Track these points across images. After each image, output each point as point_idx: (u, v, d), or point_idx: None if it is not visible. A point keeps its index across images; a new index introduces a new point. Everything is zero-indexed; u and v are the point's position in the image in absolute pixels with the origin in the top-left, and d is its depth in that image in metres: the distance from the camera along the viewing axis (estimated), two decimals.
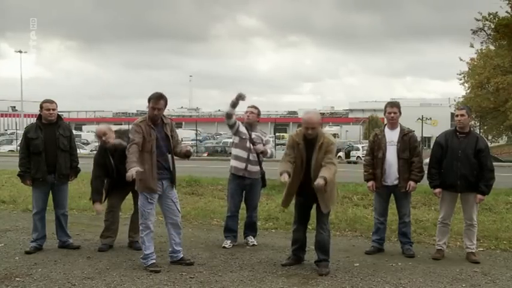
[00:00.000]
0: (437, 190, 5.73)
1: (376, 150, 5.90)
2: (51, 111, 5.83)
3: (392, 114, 5.87)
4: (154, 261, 5.23)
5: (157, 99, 5.18)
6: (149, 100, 5.20)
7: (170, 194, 5.36)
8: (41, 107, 5.85)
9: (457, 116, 5.70)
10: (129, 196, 6.13)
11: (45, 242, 6.03)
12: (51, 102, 5.87)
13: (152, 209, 5.23)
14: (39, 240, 5.97)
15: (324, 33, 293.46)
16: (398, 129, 5.86)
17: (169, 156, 5.32)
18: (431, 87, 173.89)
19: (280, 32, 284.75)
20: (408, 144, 5.80)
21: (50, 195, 6.00)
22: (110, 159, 5.88)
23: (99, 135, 5.90)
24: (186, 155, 5.46)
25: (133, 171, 4.81)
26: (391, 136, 5.85)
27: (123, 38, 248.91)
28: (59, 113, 6.01)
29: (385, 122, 6.07)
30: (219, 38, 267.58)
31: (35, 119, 6.02)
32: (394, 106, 5.91)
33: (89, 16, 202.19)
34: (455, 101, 37.13)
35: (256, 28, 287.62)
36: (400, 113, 5.94)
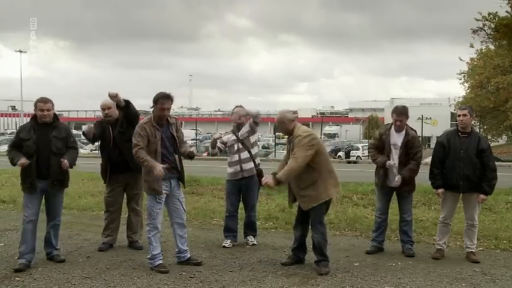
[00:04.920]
0: (440, 190, 5.71)
1: (380, 150, 5.87)
2: (45, 112, 5.20)
3: (398, 123, 5.78)
4: (161, 261, 5.21)
5: (166, 99, 5.12)
6: (156, 100, 5.12)
7: (177, 193, 5.34)
8: (35, 106, 5.23)
9: (459, 116, 5.69)
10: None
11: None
12: (46, 101, 5.23)
13: (160, 209, 5.21)
14: (28, 255, 5.23)
15: (315, 33, 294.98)
16: (403, 133, 5.80)
17: (176, 156, 5.29)
18: (426, 86, 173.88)
19: (271, 31, 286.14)
20: (410, 149, 5.76)
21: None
22: (110, 131, 5.80)
23: (104, 108, 5.76)
24: (189, 156, 5.44)
25: (159, 167, 4.91)
26: (396, 139, 5.81)
27: (116, 37, 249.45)
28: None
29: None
30: (211, 38, 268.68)
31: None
32: (401, 114, 5.75)
33: (80, 16, 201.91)
34: (455, 100, 37.11)
35: (247, 28, 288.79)
36: (408, 117, 5.82)
